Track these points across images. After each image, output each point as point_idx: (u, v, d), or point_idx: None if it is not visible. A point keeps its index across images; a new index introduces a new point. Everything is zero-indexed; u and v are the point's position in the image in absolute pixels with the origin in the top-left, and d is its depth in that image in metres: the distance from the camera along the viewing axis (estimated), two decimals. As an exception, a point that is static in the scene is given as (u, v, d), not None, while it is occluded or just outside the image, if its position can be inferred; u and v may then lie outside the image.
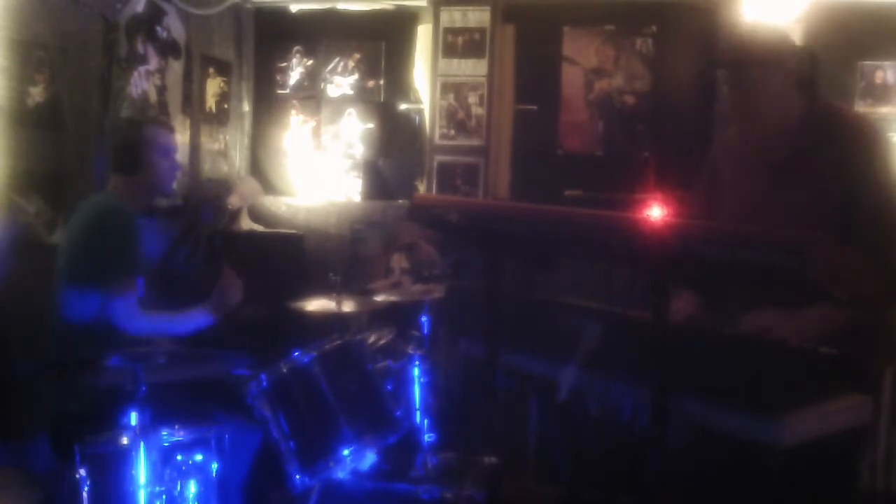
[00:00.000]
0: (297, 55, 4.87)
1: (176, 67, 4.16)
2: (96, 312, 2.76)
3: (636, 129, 4.35)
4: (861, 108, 4.08)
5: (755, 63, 2.34)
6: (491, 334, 2.31)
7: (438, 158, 4.53)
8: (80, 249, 2.78)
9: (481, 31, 4.42)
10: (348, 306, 3.03)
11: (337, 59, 4.81)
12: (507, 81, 4.51)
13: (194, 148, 4.42)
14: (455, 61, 4.46)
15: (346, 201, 4.79)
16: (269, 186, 4.86)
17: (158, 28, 3.99)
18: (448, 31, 4.47)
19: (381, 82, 4.76)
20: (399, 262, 3.96)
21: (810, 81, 2.36)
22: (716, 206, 2.56)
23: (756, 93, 2.35)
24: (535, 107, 4.48)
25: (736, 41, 2.45)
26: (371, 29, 4.75)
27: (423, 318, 2.99)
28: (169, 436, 2.38)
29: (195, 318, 2.87)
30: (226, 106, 4.74)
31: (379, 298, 3.13)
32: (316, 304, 3.11)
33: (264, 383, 2.49)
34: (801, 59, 2.35)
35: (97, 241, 2.75)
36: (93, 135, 3.55)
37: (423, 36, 4.63)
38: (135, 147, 2.88)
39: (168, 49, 4.08)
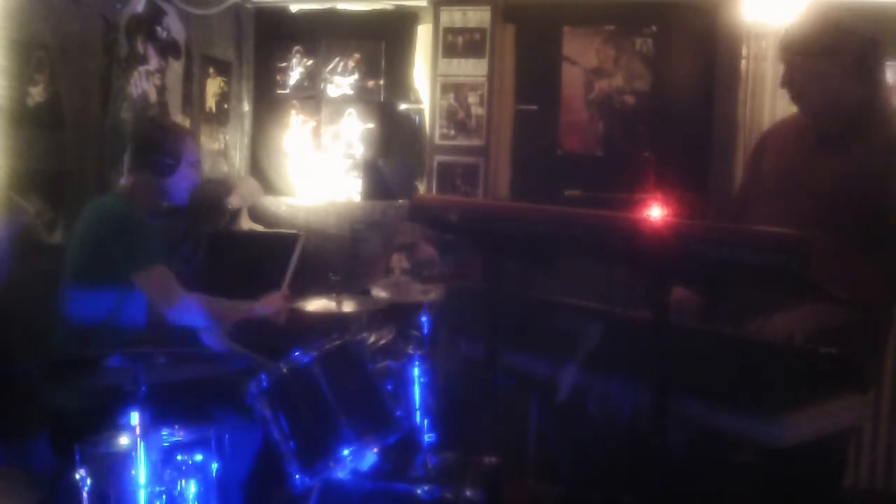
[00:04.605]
0: (297, 55, 4.86)
1: (176, 67, 4.16)
2: (107, 311, 2.77)
3: (636, 129, 4.35)
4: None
5: (807, 50, 2.30)
6: (491, 334, 2.31)
7: (438, 158, 4.53)
8: (93, 249, 2.79)
9: (481, 31, 4.42)
10: (348, 306, 3.03)
11: (337, 59, 4.81)
12: (507, 81, 4.51)
13: (194, 148, 4.42)
14: (455, 61, 4.46)
15: (346, 201, 4.79)
16: (269, 186, 4.86)
17: (158, 28, 3.99)
18: (448, 31, 4.47)
19: (381, 82, 4.76)
20: (399, 262, 3.96)
21: (870, 70, 2.32)
22: (755, 186, 2.54)
23: (808, 79, 2.32)
24: (535, 107, 4.48)
25: (791, 26, 2.38)
26: (371, 29, 4.75)
27: (423, 318, 2.99)
28: (169, 436, 2.38)
29: (238, 310, 3.07)
30: (226, 106, 4.74)
31: (379, 298, 3.13)
32: (316, 304, 3.11)
33: (264, 383, 2.49)
34: (859, 48, 2.29)
35: (111, 241, 2.76)
36: (93, 135, 3.55)
37: (423, 36, 4.63)
38: (175, 151, 2.93)
39: (168, 49, 4.08)
